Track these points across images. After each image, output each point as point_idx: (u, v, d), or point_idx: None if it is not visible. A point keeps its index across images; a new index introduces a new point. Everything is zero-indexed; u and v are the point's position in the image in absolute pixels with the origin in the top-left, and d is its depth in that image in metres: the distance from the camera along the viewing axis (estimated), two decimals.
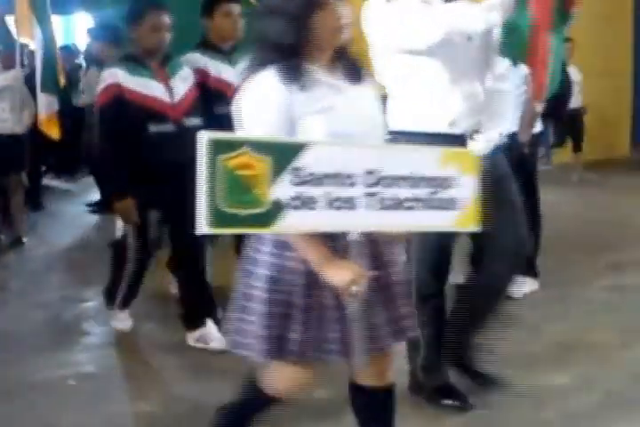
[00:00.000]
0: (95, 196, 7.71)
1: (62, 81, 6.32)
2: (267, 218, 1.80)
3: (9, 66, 6.19)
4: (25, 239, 6.28)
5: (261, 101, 2.07)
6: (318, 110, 2.06)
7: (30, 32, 5.97)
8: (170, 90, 3.79)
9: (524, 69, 3.34)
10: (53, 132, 6.34)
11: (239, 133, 2.05)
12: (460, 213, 2.04)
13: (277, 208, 1.79)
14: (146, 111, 3.71)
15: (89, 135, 7.30)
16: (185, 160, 3.57)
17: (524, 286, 4.31)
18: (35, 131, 6.45)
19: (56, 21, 8.14)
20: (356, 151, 1.96)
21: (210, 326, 3.93)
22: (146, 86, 3.74)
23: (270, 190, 1.79)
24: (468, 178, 2.04)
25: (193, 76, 3.94)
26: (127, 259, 3.99)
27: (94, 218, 7.34)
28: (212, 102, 3.90)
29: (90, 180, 8.69)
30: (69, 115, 7.93)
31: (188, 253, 3.95)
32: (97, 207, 7.48)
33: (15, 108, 6.14)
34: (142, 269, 4.06)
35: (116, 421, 3.18)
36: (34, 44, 6.08)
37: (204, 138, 1.73)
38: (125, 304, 4.15)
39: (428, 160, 2.02)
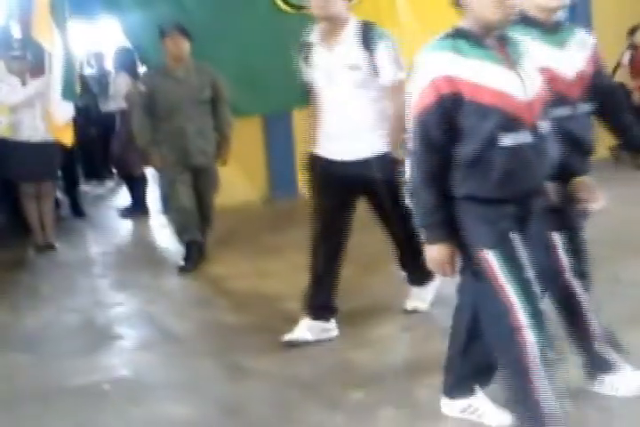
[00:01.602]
0: (125, 201, 7.74)
1: (77, 88, 6.33)
2: None
3: (39, 73, 6.22)
4: (56, 245, 6.32)
5: None
6: None
7: (49, 36, 5.98)
8: (522, 81, 2.57)
9: None
10: (67, 139, 6.35)
11: None
12: None
13: None
14: (497, 115, 2.50)
15: (119, 141, 7.34)
16: (538, 187, 2.65)
17: None
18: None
19: (83, 27, 8.19)
20: None
21: None
22: (493, 77, 2.52)
23: None
24: None
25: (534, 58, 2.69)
26: None
27: (125, 222, 7.36)
28: None
29: (118, 185, 8.77)
30: (97, 121, 8.00)
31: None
32: (127, 212, 7.50)
33: (45, 115, 6.16)
34: None
35: (151, 425, 3.18)
36: (53, 48, 6.08)
37: None
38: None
39: None
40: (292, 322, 4.14)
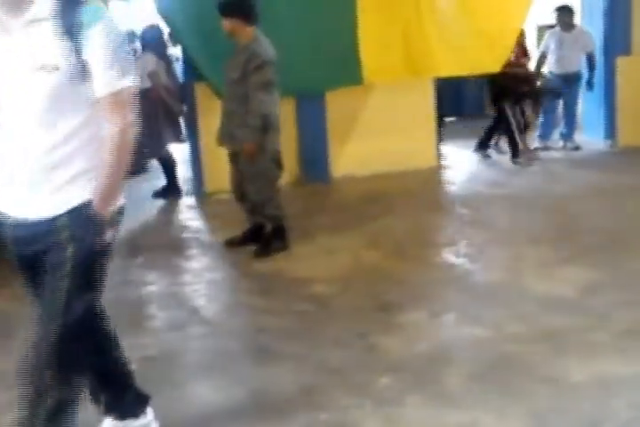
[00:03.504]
0: (159, 182, 7.74)
1: None
2: None
3: None
4: None
5: None
6: None
7: None
8: None
9: None
10: None
11: None
12: None
13: None
14: None
15: (145, 121, 7.33)
16: None
17: None
18: None
19: (117, 6, 8.19)
20: None
21: None
22: None
23: None
24: None
25: None
26: None
27: (157, 202, 7.37)
28: None
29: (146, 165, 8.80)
30: None
31: None
32: (162, 194, 7.48)
33: None
34: None
35: (178, 405, 3.19)
36: None
37: None
38: None
39: None
40: (319, 306, 4.16)
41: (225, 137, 5.29)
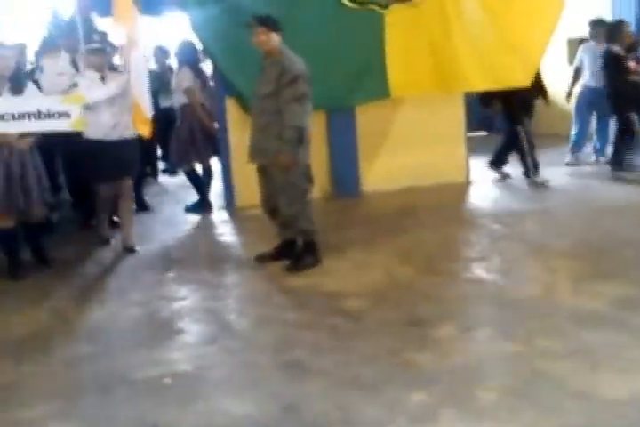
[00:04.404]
0: (190, 197, 7.79)
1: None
2: None
3: (116, 69, 6.20)
4: (137, 248, 6.14)
5: None
6: None
7: (133, 28, 5.95)
8: None
9: None
10: (146, 132, 6.26)
11: None
12: None
13: None
14: None
15: (177, 136, 7.39)
16: None
17: None
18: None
19: (148, 22, 8.25)
20: None
21: None
22: None
23: None
24: None
25: None
26: None
27: (189, 217, 7.41)
28: None
29: (174, 180, 8.87)
30: (156, 116, 8.06)
31: None
32: (194, 209, 7.52)
33: (124, 113, 5.87)
34: None
35: (210, 420, 3.20)
36: (137, 40, 6.02)
37: None
38: None
39: None
40: (351, 320, 4.16)
41: (256, 152, 5.30)
